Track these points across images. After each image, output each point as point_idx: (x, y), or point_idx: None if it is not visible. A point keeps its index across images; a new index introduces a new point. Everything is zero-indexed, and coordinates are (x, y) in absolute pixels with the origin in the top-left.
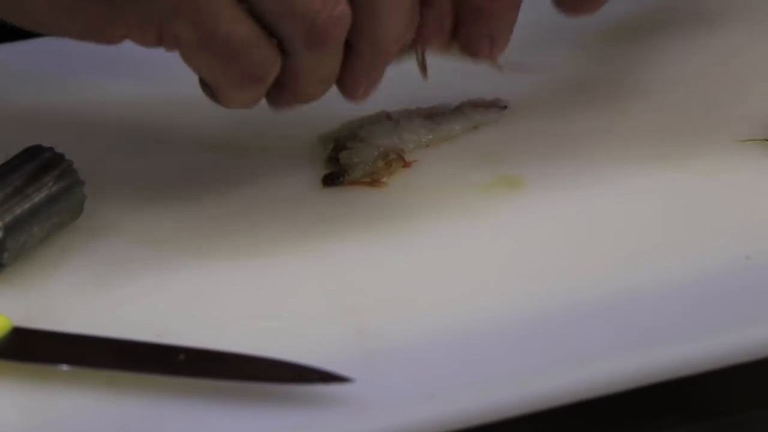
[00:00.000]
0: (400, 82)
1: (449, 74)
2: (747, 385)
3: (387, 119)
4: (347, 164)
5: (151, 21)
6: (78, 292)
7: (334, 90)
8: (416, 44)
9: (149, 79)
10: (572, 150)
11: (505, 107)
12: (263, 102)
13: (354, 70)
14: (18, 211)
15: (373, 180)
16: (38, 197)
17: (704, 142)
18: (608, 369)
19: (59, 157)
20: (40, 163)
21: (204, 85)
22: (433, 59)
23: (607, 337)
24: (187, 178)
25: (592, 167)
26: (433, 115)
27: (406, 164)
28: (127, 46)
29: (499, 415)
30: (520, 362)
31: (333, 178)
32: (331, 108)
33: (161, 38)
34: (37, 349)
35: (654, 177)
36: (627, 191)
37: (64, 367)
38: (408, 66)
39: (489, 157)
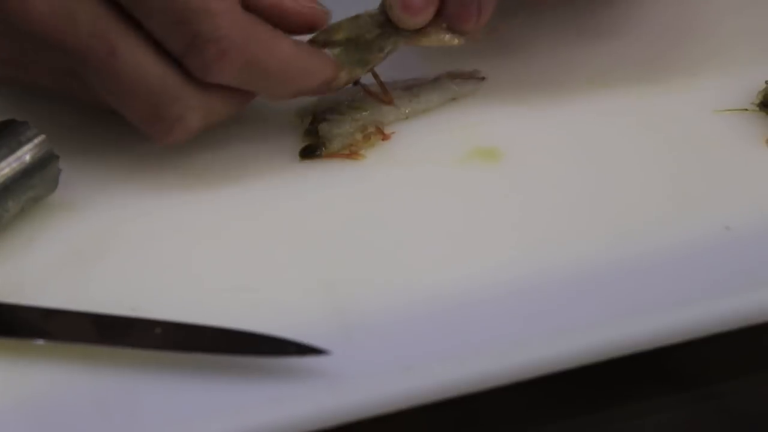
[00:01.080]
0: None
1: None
2: (723, 355)
3: (365, 92)
4: (326, 137)
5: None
6: (53, 266)
7: None
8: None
9: None
10: (550, 121)
11: (483, 78)
12: None
13: None
14: None
15: (350, 152)
16: (12, 171)
17: (683, 113)
18: (586, 340)
19: (33, 131)
20: (14, 137)
21: None
22: None
23: (585, 308)
24: (162, 151)
25: (569, 139)
26: (411, 87)
27: (385, 136)
28: None
29: (477, 387)
30: (498, 333)
31: (311, 151)
32: None
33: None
34: (11, 324)
35: (633, 148)
36: (605, 163)
37: (40, 342)
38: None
39: (467, 129)
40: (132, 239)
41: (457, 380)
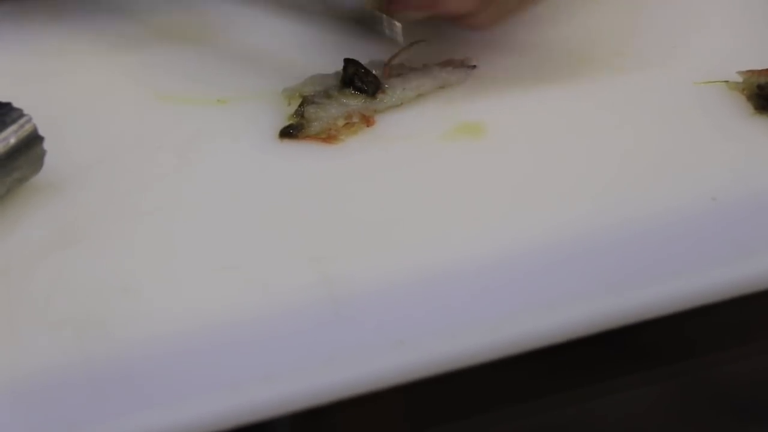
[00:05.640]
0: (363, 41)
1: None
2: (700, 331)
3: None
4: (309, 119)
5: None
6: (39, 247)
7: (299, 44)
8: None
9: (107, 32)
10: (534, 97)
11: (474, 67)
12: (227, 53)
13: None
14: None
15: (328, 136)
16: None
17: (664, 85)
18: (575, 313)
19: (18, 112)
20: None
21: None
22: None
23: (572, 282)
24: (146, 131)
25: (553, 113)
26: (402, 75)
27: (370, 122)
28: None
29: (468, 362)
30: (488, 308)
31: (288, 131)
32: (296, 62)
33: None
34: None
35: (616, 122)
36: (588, 136)
37: None
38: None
39: (451, 105)
40: (118, 219)
41: (449, 355)
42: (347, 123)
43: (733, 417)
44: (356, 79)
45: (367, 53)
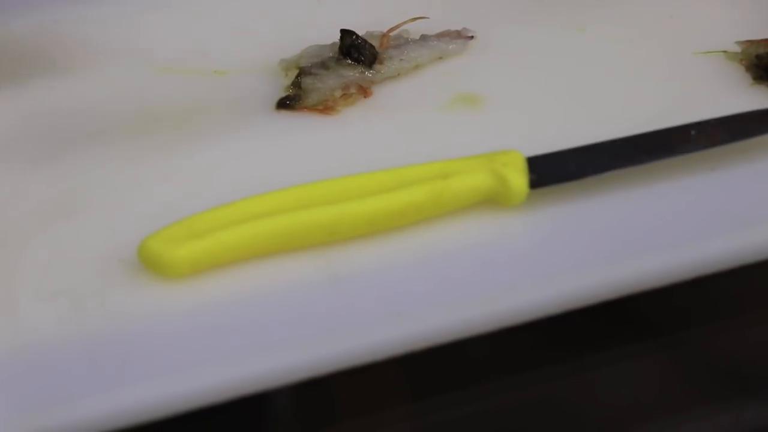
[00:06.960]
0: (360, 12)
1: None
2: (700, 301)
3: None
4: (306, 90)
5: None
6: (36, 219)
7: (296, 14)
8: None
9: (103, 1)
10: (532, 68)
11: (472, 37)
12: (224, 24)
13: None
14: None
15: (325, 107)
16: None
17: (662, 55)
18: (574, 285)
19: None
20: None
21: None
22: None
23: (572, 253)
24: (143, 102)
25: (551, 84)
26: (400, 46)
27: (367, 93)
28: None
29: (466, 333)
30: (487, 279)
31: (285, 102)
32: (293, 33)
33: None
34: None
35: (613, 91)
36: (587, 106)
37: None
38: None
39: (449, 76)
40: (114, 190)
41: (446, 326)
42: (344, 94)
43: (731, 387)
44: (353, 50)
45: (364, 24)
